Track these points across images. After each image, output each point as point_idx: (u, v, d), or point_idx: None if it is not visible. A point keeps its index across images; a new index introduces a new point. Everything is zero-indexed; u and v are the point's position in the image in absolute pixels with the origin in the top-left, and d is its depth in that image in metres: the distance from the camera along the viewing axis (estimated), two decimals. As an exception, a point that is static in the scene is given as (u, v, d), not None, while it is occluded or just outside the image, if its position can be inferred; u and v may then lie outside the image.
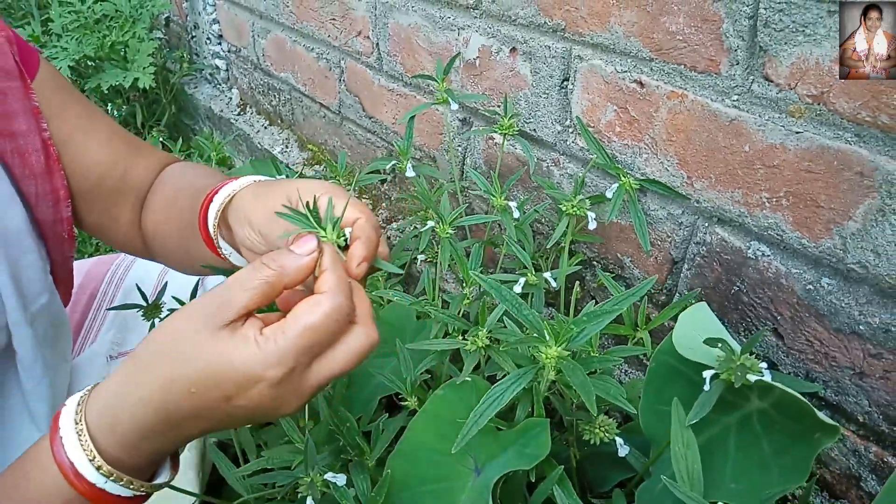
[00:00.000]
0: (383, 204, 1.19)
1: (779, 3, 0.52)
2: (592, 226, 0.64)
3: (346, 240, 0.45)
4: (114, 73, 1.51)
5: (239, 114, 1.56)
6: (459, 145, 0.94)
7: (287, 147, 1.42)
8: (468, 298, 0.65)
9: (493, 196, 0.71)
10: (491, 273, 0.74)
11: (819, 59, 0.51)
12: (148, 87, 1.49)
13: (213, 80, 1.70)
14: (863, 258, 0.52)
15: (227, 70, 1.62)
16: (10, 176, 0.60)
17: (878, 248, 0.51)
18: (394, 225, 1.12)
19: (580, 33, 0.69)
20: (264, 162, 1.34)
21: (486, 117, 0.88)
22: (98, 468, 0.39)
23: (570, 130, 0.76)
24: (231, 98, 1.61)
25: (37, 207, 0.63)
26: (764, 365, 0.46)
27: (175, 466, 0.46)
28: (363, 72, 1.10)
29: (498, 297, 0.45)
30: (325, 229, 0.43)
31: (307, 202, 0.44)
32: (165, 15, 1.84)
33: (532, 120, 0.80)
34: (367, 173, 0.81)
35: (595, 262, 0.79)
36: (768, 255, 0.59)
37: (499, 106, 0.81)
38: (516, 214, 0.70)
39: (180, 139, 1.55)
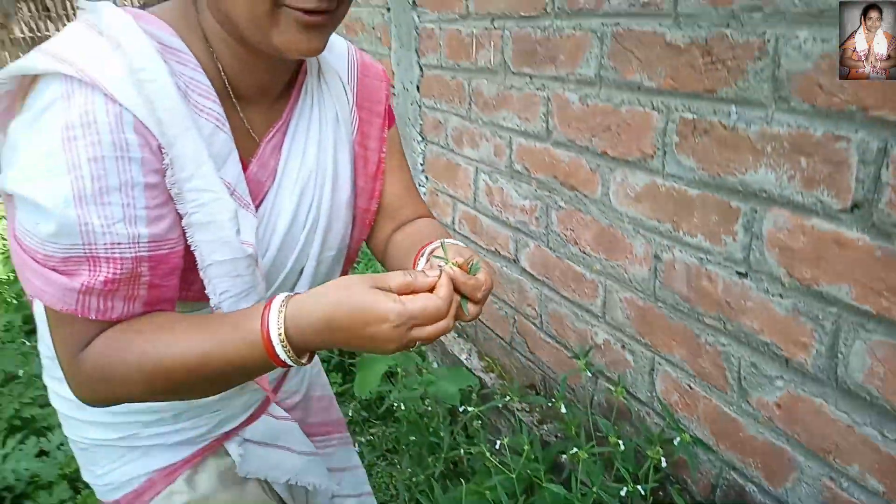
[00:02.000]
0: (536, 408, 1.79)
1: (749, 366, 1.09)
2: (664, 464, 1.21)
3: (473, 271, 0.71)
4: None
5: (435, 326, 2.28)
6: (591, 389, 1.54)
7: (469, 356, 2.09)
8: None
9: (611, 436, 1.30)
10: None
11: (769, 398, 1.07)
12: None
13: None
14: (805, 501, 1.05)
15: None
16: (353, 171, 0.91)
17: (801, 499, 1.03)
18: (545, 427, 1.72)
19: (660, 351, 1.30)
20: (457, 369, 2.01)
21: (608, 377, 1.48)
22: (279, 333, 0.65)
23: (655, 399, 1.34)
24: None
25: (359, 197, 0.92)
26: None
27: (311, 360, 0.70)
28: (530, 327, 1.75)
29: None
30: (453, 265, 0.69)
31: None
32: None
33: (634, 387, 1.39)
34: (535, 395, 1.42)
35: (672, 478, 1.34)
36: (756, 492, 1.12)
37: (617, 374, 1.41)
38: (622, 447, 1.28)
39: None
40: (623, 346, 1.40)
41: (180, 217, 0.71)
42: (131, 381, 0.69)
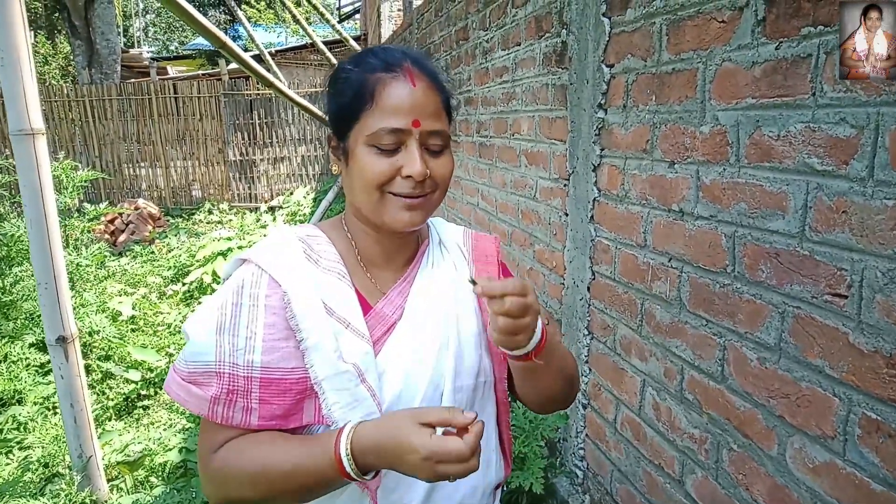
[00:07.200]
0: None
1: None
2: None
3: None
4: (516, 472, 2.44)
5: (589, 515, 2.35)
6: None
7: (624, 557, 2.12)
8: None
9: None
10: None
11: None
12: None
13: (570, 477, 2.55)
14: None
15: (583, 481, 2.46)
16: (479, 308, 1.09)
17: None
18: None
19: None
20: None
21: None
22: (347, 453, 0.83)
23: None
24: (584, 500, 2.42)
25: (487, 329, 1.03)
26: None
27: (375, 477, 0.88)
28: (692, 551, 1.78)
29: None
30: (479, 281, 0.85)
31: None
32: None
33: None
34: None
35: None
36: None
37: None
38: None
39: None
40: None
41: (300, 353, 0.92)
42: (242, 483, 0.89)
